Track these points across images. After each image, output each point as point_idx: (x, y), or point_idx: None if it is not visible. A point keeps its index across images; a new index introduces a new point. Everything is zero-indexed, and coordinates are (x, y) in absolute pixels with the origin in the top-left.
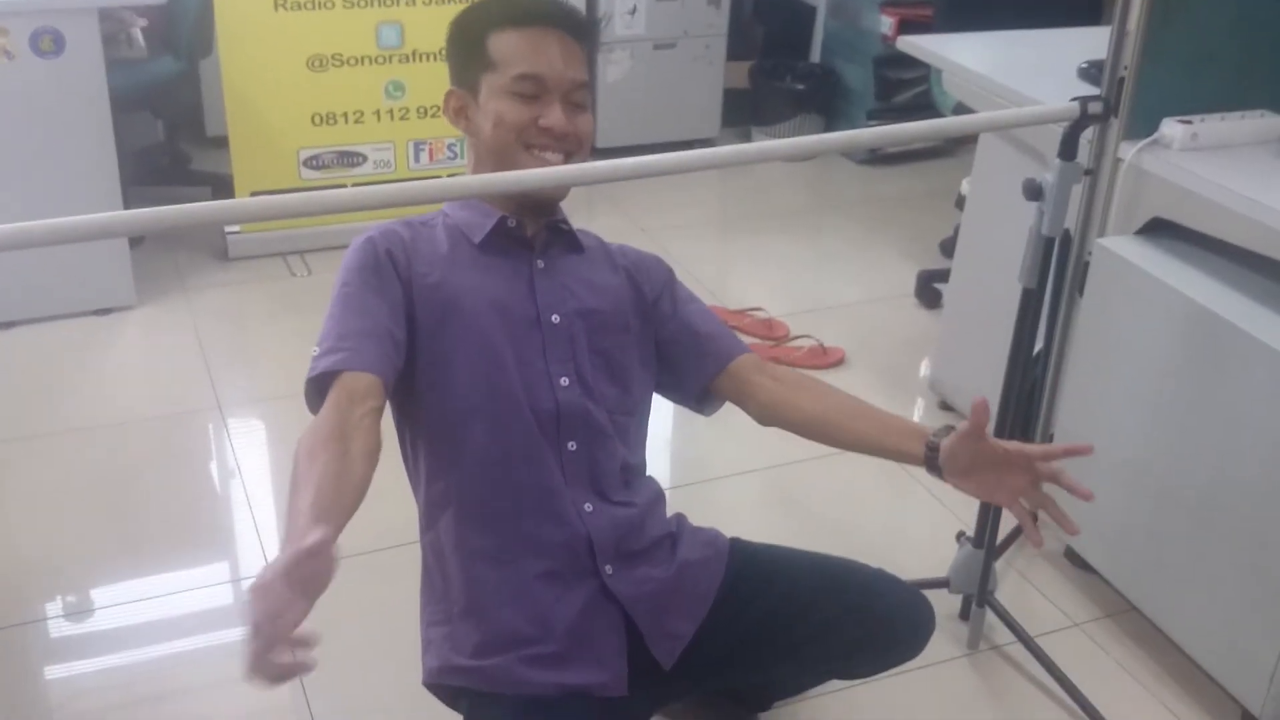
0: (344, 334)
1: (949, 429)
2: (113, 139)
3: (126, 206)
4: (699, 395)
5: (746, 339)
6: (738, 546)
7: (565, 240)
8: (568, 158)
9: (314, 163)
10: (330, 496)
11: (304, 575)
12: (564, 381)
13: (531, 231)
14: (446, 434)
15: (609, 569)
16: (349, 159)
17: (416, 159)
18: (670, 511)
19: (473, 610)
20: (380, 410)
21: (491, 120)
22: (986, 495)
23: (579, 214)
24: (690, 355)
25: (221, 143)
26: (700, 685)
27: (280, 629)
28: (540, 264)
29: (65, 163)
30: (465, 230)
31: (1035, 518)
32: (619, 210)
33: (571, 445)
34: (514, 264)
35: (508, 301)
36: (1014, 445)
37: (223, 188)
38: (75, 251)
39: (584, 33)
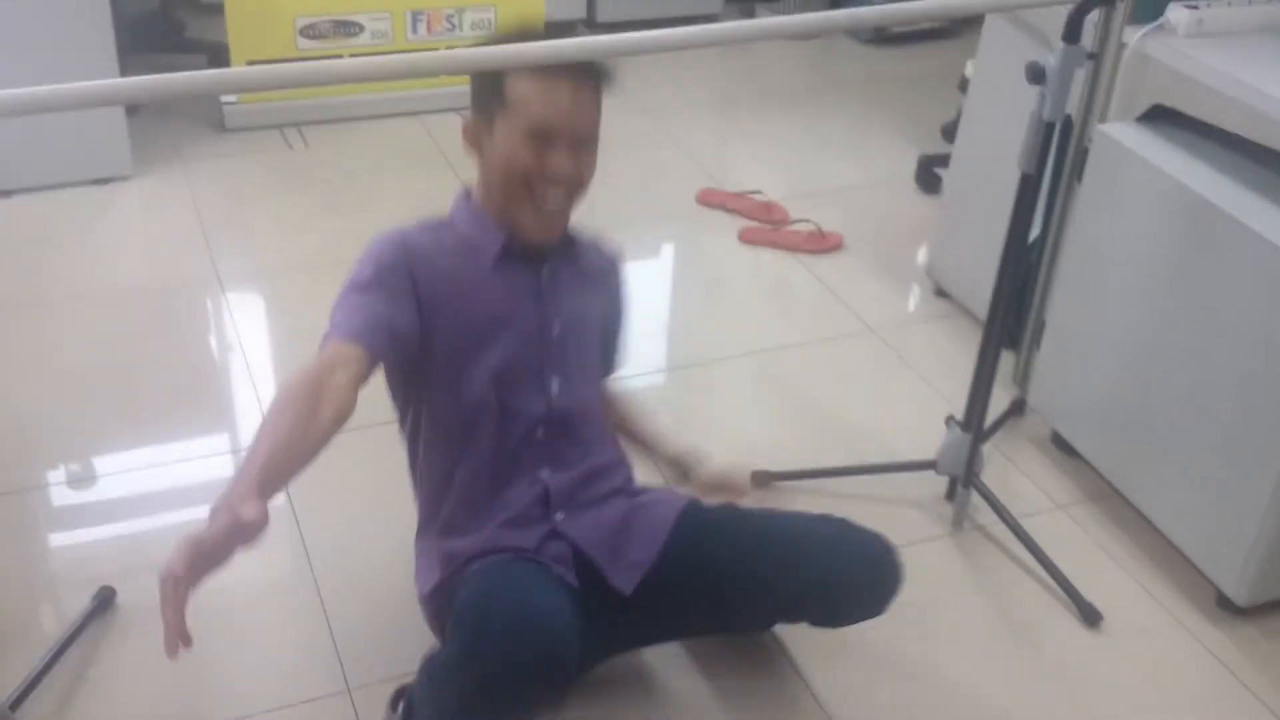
0: (349, 314)
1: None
2: (109, 5)
3: (123, 75)
4: None
5: (746, 222)
6: (693, 504)
7: (567, 252)
8: (569, 196)
9: (310, 31)
10: (284, 456)
11: (231, 539)
12: (555, 389)
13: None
14: (450, 432)
15: (560, 515)
16: (346, 28)
17: (414, 29)
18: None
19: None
20: (362, 379)
21: (503, 159)
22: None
23: None
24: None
25: (217, 10)
26: (659, 629)
27: (180, 595)
28: (546, 274)
29: (62, 30)
30: (475, 246)
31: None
32: (618, 87)
33: (540, 433)
34: (523, 278)
35: (517, 317)
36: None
37: (218, 57)
38: (73, 120)
39: (596, 80)
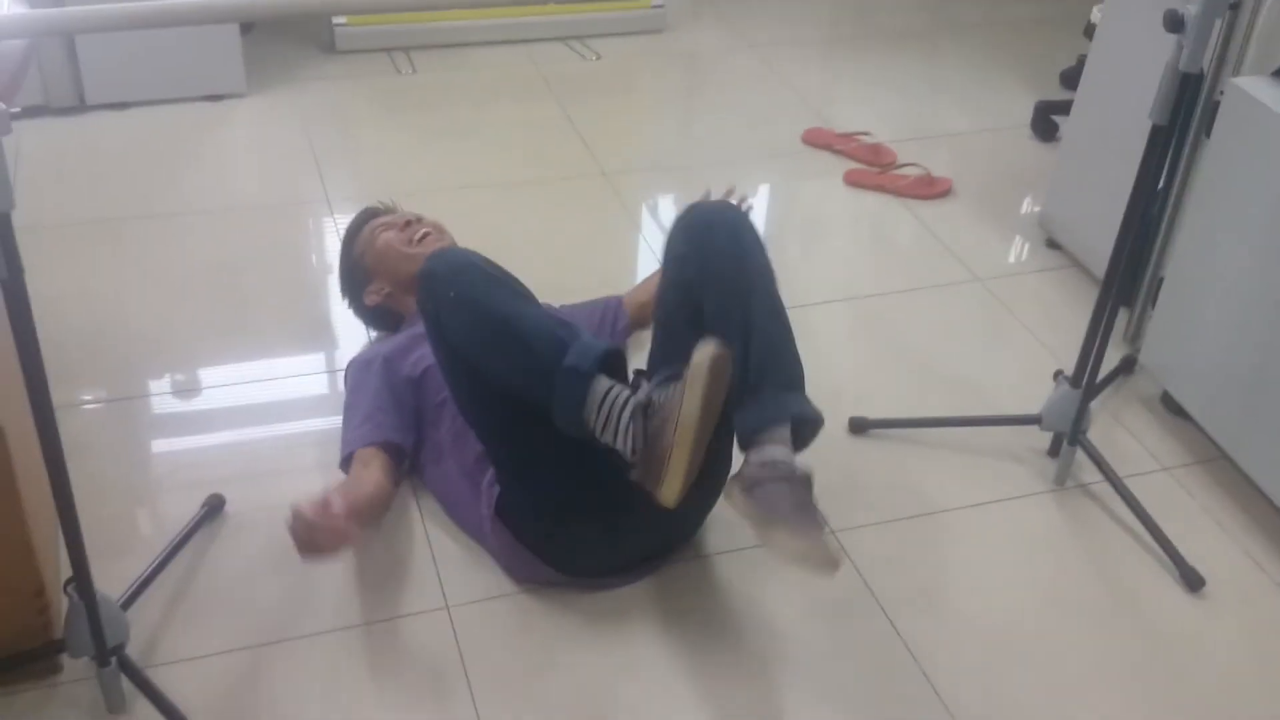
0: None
1: None
2: None
3: None
4: None
5: (852, 164)
6: None
7: None
8: (439, 235)
9: None
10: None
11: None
12: None
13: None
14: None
15: None
16: None
17: None
18: None
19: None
20: (390, 464)
21: (389, 255)
22: None
23: (686, 28)
24: None
25: None
26: None
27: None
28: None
29: None
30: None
31: None
32: (725, 24)
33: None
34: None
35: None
36: None
37: None
38: (188, 37)
39: (387, 210)
